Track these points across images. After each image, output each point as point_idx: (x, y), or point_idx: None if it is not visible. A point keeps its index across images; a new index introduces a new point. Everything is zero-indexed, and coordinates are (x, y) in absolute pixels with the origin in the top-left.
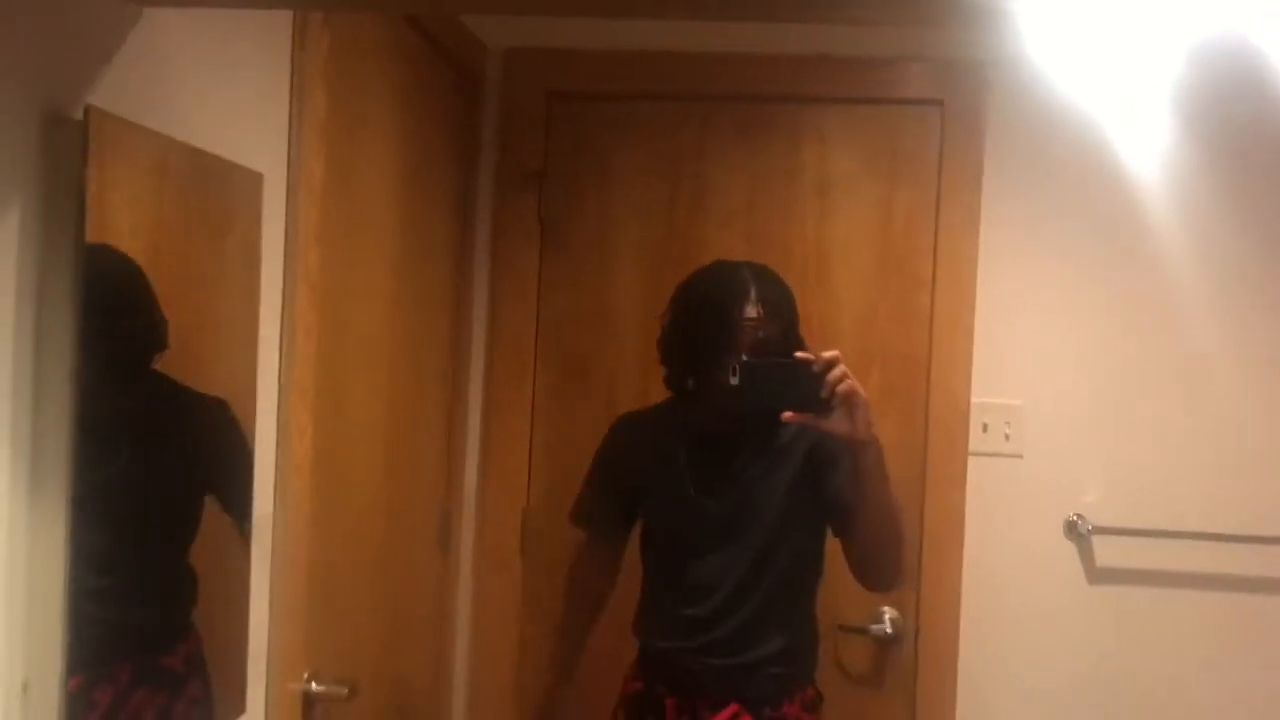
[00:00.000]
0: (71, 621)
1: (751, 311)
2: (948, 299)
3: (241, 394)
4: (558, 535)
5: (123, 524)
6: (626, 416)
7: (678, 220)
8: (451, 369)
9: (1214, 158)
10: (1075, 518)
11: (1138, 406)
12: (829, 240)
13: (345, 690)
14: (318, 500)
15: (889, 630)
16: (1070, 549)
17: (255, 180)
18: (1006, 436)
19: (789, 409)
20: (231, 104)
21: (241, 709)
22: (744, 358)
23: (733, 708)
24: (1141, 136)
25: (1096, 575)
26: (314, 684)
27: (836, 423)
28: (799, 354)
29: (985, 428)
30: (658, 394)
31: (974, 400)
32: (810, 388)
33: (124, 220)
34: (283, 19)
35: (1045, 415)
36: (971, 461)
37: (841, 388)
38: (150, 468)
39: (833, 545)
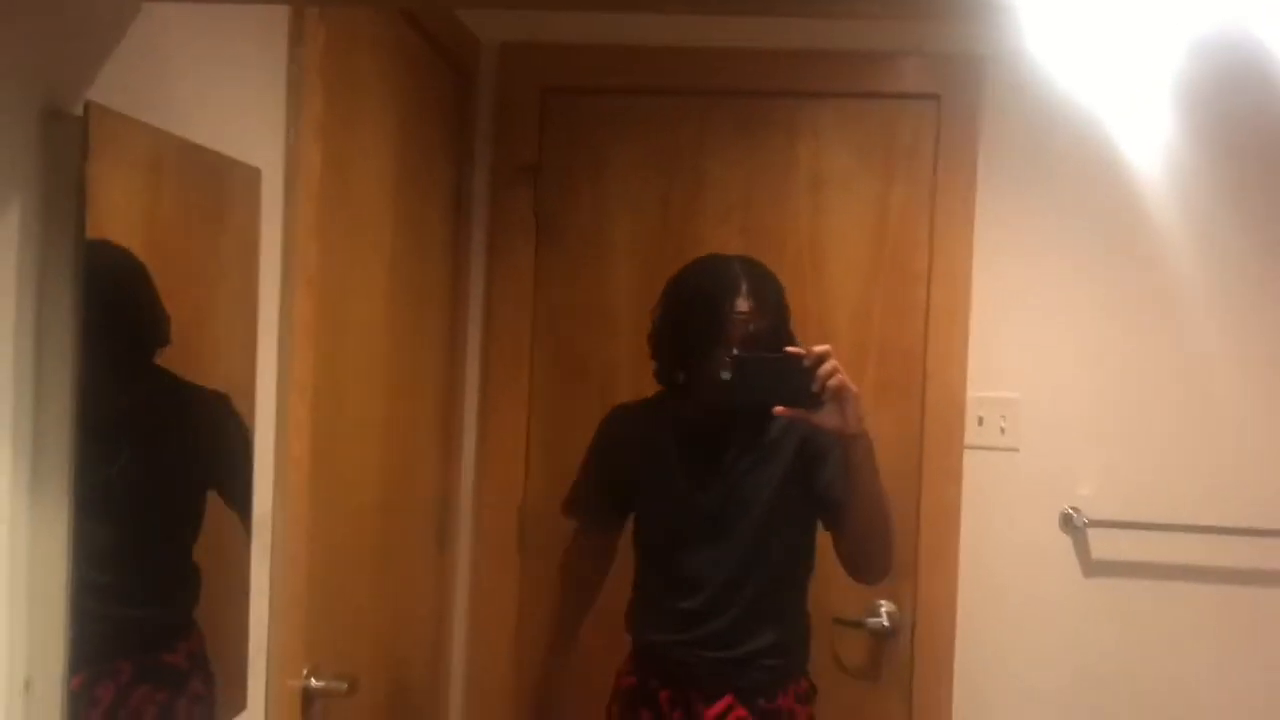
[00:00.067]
0: (74, 619)
1: (743, 305)
2: (943, 293)
3: (242, 389)
4: (555, 530)
5: (125, 521)
6: (619, 409)
7: (673, 215)
8: (448, 363)
9: (1211, 152)
10: (1071, 511)
11: (1133, 400)
12: (825, 235)
13: (345, 686)
14: (316, 495)
15: (885, 624)
16: (1066, 542)
17: (253, 175)
18: (1002, 430)
19: (780, 404)
20: (229, 100)
21: (242, 705)
22: (735, 352)
23: (727, 700)
24: (1138, 131)
25: (1092, 568)
26: (313, 680)
27: (827, 417)
28: (790, 349)
29: (981, 421)
30: (653, 388)
31: (970, 394)
32: (801, 382)
33: (124, 215)
34: (279, 15)
35: (1041, 408)
36: (967, 455)
37: (832, 382)
38: (153, 464)
39: (825, 538)
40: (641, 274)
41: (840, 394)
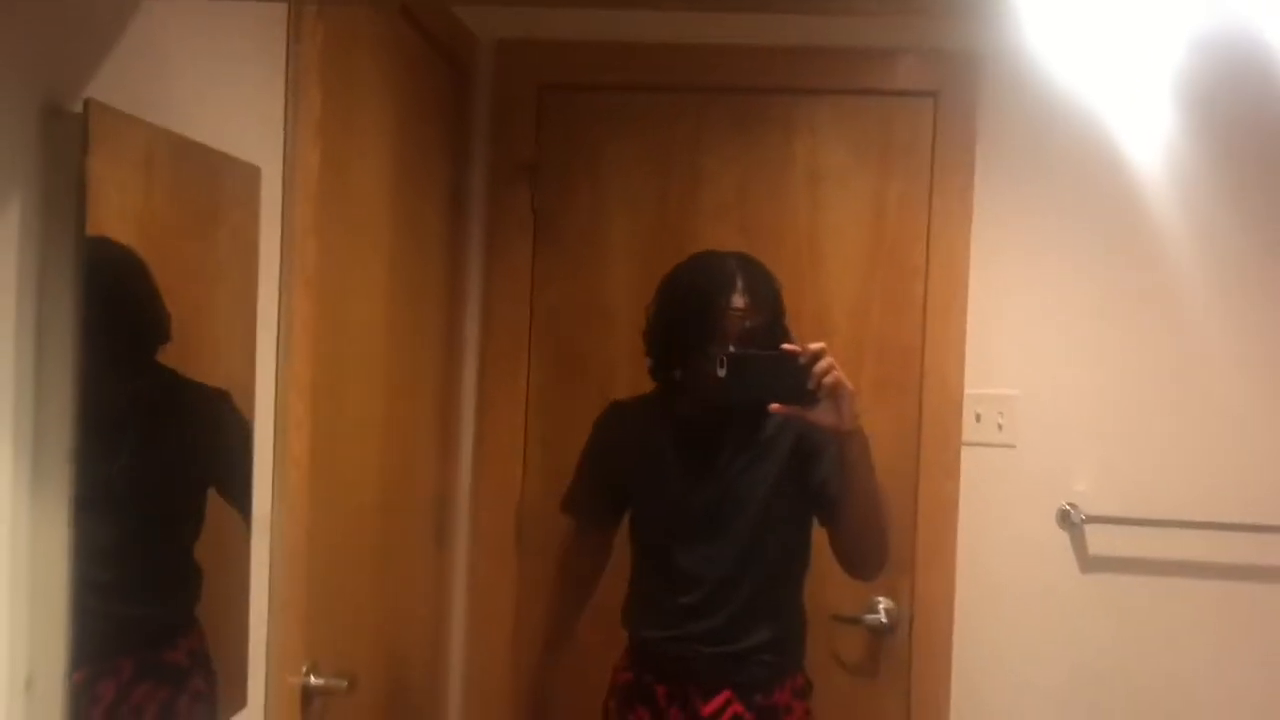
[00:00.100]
0: (75, 617)
1: (738, 301)
2: (941, 290)
3: (241, 387)
4: (553, 527)
5: (127, 518)
6: (614, 406)
7: (671, 212)
8: (445, 361)
9: (1208, 149)
10: (1068, 507)
11: (1130, 396)
12: (822, 231)
13: (345, 683)
14: (315, 492)
15: (883, 620)
16: (1063, 538)
17: (252, 173)
18: (999, 426)
19: (776, 401)
20: (228, 98)
21: (242, 703)
22: (731, 349)
23: (724, 695)
24: (1136, 128)
25: (1089, 564)
26: (312, 677)
27: (823, 414)
28: (785, 346)
29: (978, 418)
30: (651, 386)
31: (967, 390)
32: (797, 380)
33: (124, 213)
34: (278, 13)
35: (1038, 405)
36: (965, 451)
37: (828, 379)
38: (155, 461)
39: (821, 535)
40: (639, 271)
41: (836, 391)
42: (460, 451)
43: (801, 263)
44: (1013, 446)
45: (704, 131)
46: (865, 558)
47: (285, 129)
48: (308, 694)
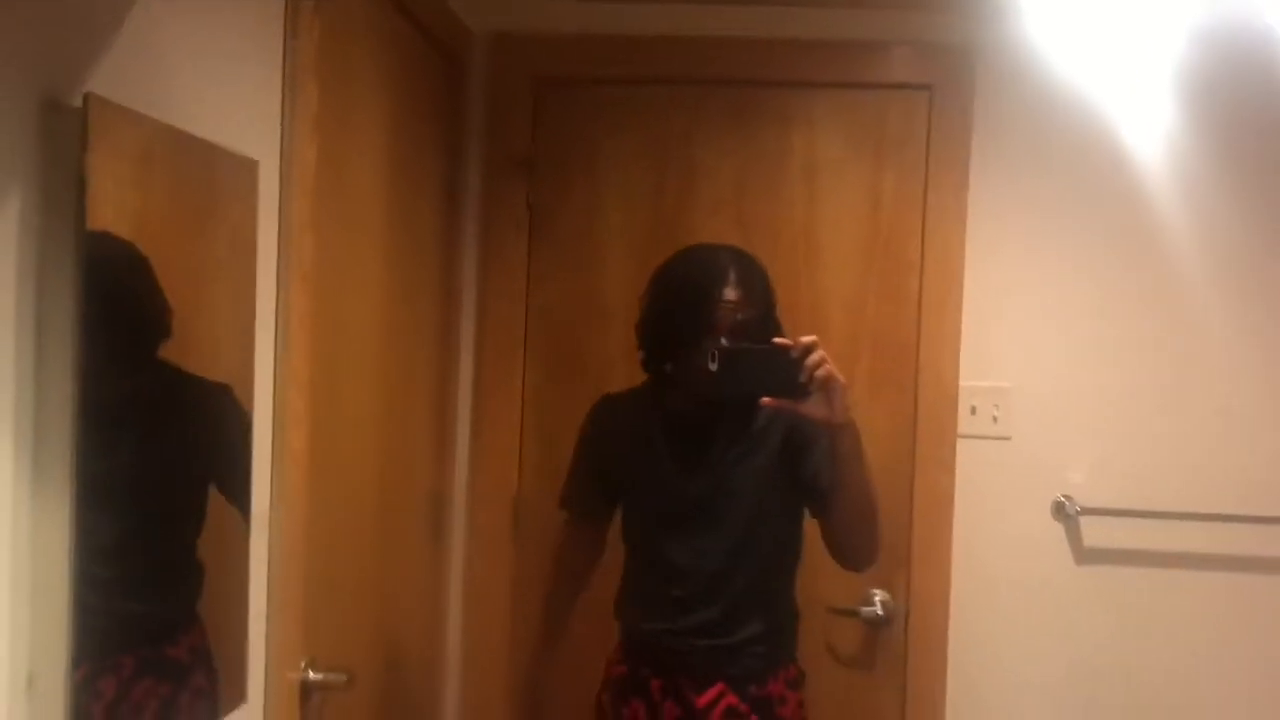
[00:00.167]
0: (76, 613)
1: (730, 294)
2: (936, 283)
3: (241, 382)
4: (548, 522)
5: (128, 514)
6: (606, 399)
7: (667, 206)
8: (441, 356)
9: (1204, 142)
10: (1063, 499)
11: (1125, 388)
12: (818, 225)
13: (344, 678)
14: (313, 487)
15: (879, 612)
16: (1058, 530)
17: (250, 168)
18: (995, 419)
19: (768, 394)
20: (225, 92)
21: (242, 698)
22: (723, 343)
23: (718, 687)
24: (1130, 120)
25: (1084, 555)
26: (311, 672)
27: (814, 407)
28: (777, 339)
29: (974, 410)
30: (644, 379)
31: (962, 383)
32: (789, 373)
33: (124, 207)
34: (274, 6)
35: (1033, 397)
36: (960, 444)
37: (820, 373)
38: (157, 457)
39: (814, 527)
40: (635, 265)
41: (827, 384)
42: (456, 447)
43: (798, 257)
44: (1008, 439)
45: (700, 125)
46: (857, 549)
47: (282, 123)
48: (306, 689)
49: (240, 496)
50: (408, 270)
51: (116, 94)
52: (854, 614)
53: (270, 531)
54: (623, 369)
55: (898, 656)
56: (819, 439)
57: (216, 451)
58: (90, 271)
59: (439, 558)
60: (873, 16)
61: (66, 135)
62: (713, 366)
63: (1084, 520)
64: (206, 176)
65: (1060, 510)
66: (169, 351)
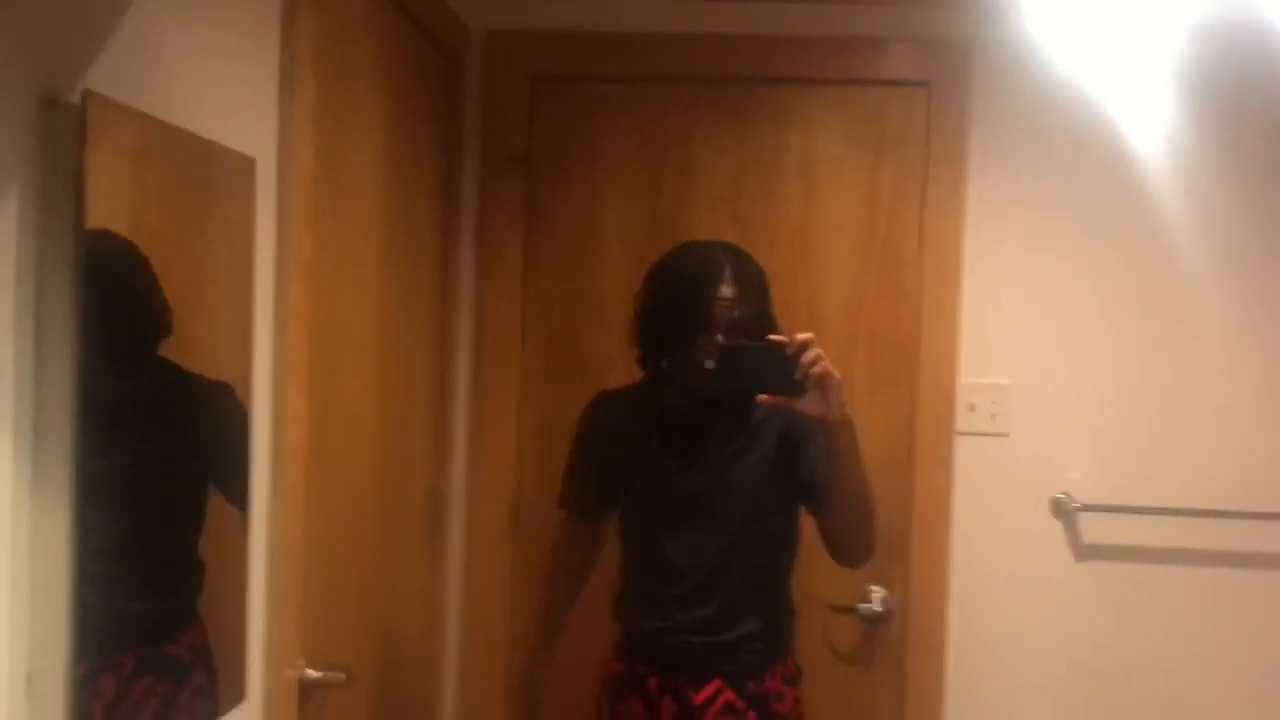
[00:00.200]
0: (76, 612)
1: (726, 291)
2: (934, 279)
3: (239, 380)
4: (546, 520)
5: (129, 512)
6: (601, 396)
7: (664, 203)
8: (439, 354)
9: (1201, 137)
10: (1061, 495)
11: (1123, 384)
12: (816, 222)
13: (343, 676)
14: (311, 485)
15: (878, 609)
16: (1056, 526)
17: (248, 165)
18: (993, 416)
19: (764, 392)
20: (223, 89)
21: (242, 696)
22: (719, 340)
23: (715, 684)
24: (1128, 116)
25: (1082, 552)
26: (310, 670)
27: (810, 404)
28: (773, 337)
29: (972, 407)
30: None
31: (961, 380)
32: (785, 370)
33: (123, 205)
34: (271, 4)
35: (1031, 394)
36: (958, 441)
37: (815, 370)
38: (158, 455)
39: (811, 524)
40: (632, 262)
41: (823, 381)
42: (454, 444)
43: (795, 254)
44: (1006, 436)
45: (697, 122)
46: (853, 546)
47: (280, 120)
48: (305, 687)
49: (239, 494)
50: (405, 267)
51: (115, 92)
52: (852, 611)
53: (269, 529)
54: (620, 365)
55: (896, 653)
56: (815, 436)
57: (216, 450)
58: (89, 269)
59: (437, 556)
60: (870, 13)
61: (65, 133)
62: (709, 364)
63: (1082, 517)
64: (205, 174)
65: (1059, 507)
66: (169, 350)
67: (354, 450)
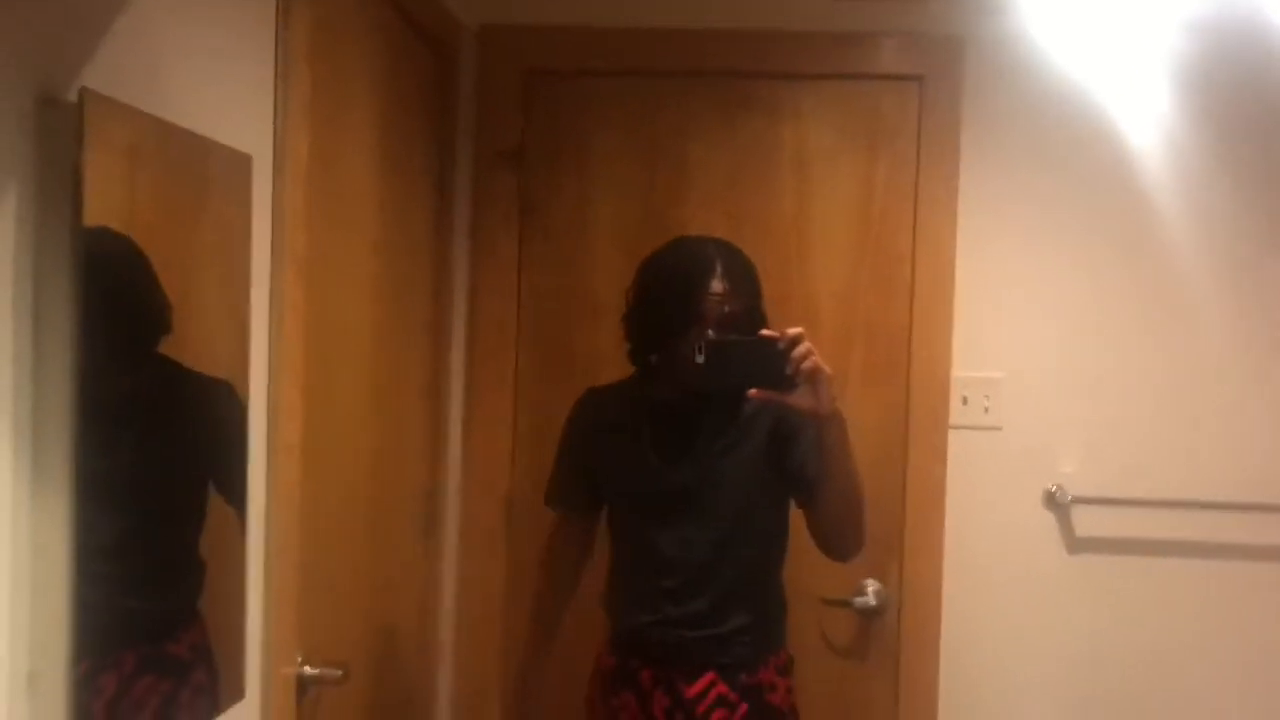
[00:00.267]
0: (77, 610)
1: (717, 286)
2: (927, 273)
3: (237, 377)
4: (541, 517)
5: (130, 511)
6: (590, 392)
7: (657, 198)
8: (433, 350)
9: (1194, 131)
10: (1054, 488)
11: (1116, 377)
12: (809, 216)
13: (339, 673)
14: (307, 483)
15: (872, 602)
16: (1050, 519)
17: (244, 162)
18: (986, 409)
19: (754, 386)
20: (219, 87)
21: (240, 694)
22: (710, 335)
23: (708, 676)
24: (1121, 111)
25: (1075, 545)
26: (307, 667)
27: (801, 399)
28: (764, 331)
29: (965, 400)
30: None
31: (954, 373)
32: (775, 365)
33: (121, 202)
34: (266, 1)
35: (1024, 387)
36: (951, 434)
37: (806, 364)
38: (158, 453)
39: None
40: (626, 258)
41: (814, 376)
42: (448, 440)
43: (789, 249)
44: (999, 429)
45: (690, 117)
46: (842, 539)
47: (275, 117)
48: (302, 684)
49: (237, 492)
50: (398, 263)
51: (112, 90)
52: (846, 604)
53: (265, 526)
54: (614, 361)
55: (890, 646)
56: (805, 430)
57: (216, 447)
58: (88, 267)
59: (432, 553)
60: (863, 7)
61: (62, 131)
62: (699, 358)
63: (1075, 509)
64: (201, 171)
65: (1051, 499)
66: (169, 347)
67: (349, 447)
